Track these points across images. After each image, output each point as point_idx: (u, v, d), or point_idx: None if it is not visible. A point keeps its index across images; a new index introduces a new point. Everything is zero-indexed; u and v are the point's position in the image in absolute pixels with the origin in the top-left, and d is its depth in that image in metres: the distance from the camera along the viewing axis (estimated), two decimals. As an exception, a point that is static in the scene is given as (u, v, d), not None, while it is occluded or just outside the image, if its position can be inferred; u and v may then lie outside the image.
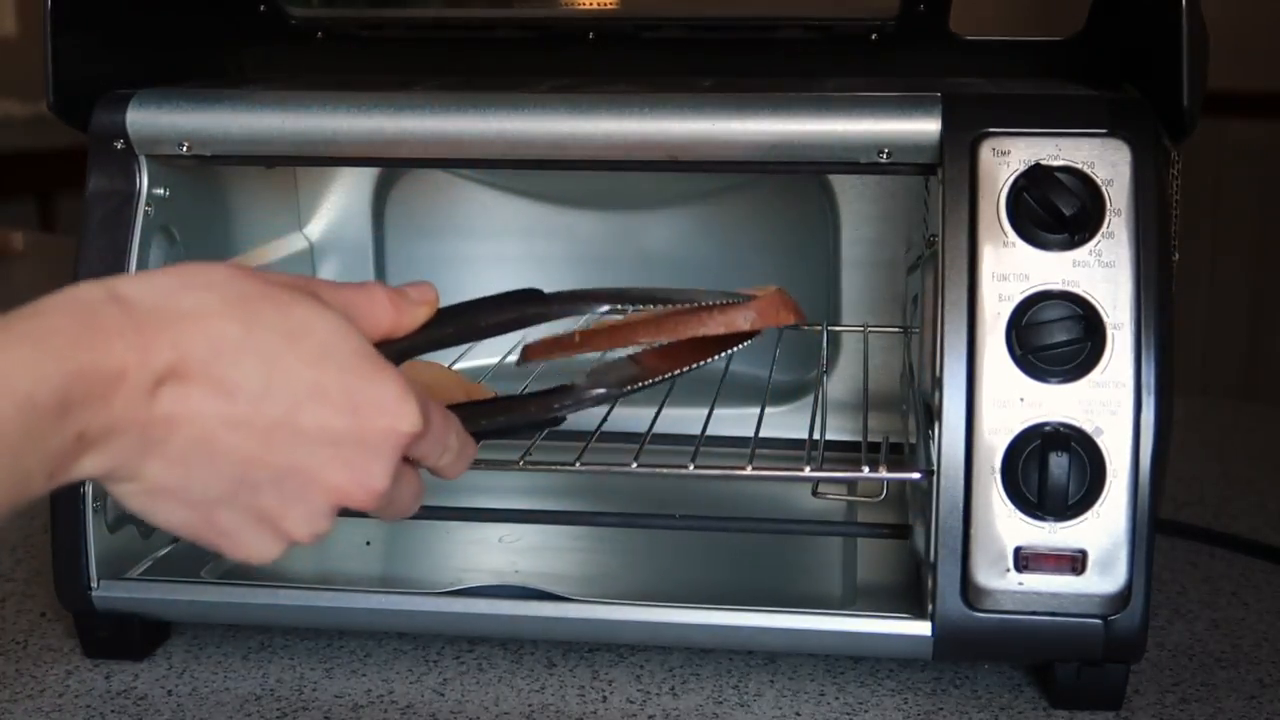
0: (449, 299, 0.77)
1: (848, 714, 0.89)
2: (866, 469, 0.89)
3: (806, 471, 0.90)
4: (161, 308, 0.59)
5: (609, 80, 0.97)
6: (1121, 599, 0.84)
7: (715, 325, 0.89)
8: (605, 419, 0.99)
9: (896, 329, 1.19)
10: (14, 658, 0.96)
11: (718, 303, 0.88)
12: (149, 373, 0.58)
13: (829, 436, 0.98)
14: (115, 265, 0.93)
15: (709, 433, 0.95)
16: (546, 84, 0.96)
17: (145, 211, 0.96)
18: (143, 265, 0.96)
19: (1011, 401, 0.84)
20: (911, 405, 1.04)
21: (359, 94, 0.94)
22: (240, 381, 0.60)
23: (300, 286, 0.65)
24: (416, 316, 0.73)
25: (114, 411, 0.57)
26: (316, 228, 1.26)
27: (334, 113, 0.92)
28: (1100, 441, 0.84)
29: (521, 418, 0.81)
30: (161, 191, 0.97)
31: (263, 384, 0.60)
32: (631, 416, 0.98)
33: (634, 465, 0.91)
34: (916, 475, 0.88)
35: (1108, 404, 0.84)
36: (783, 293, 0.96)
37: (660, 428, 0.97)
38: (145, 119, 0.94)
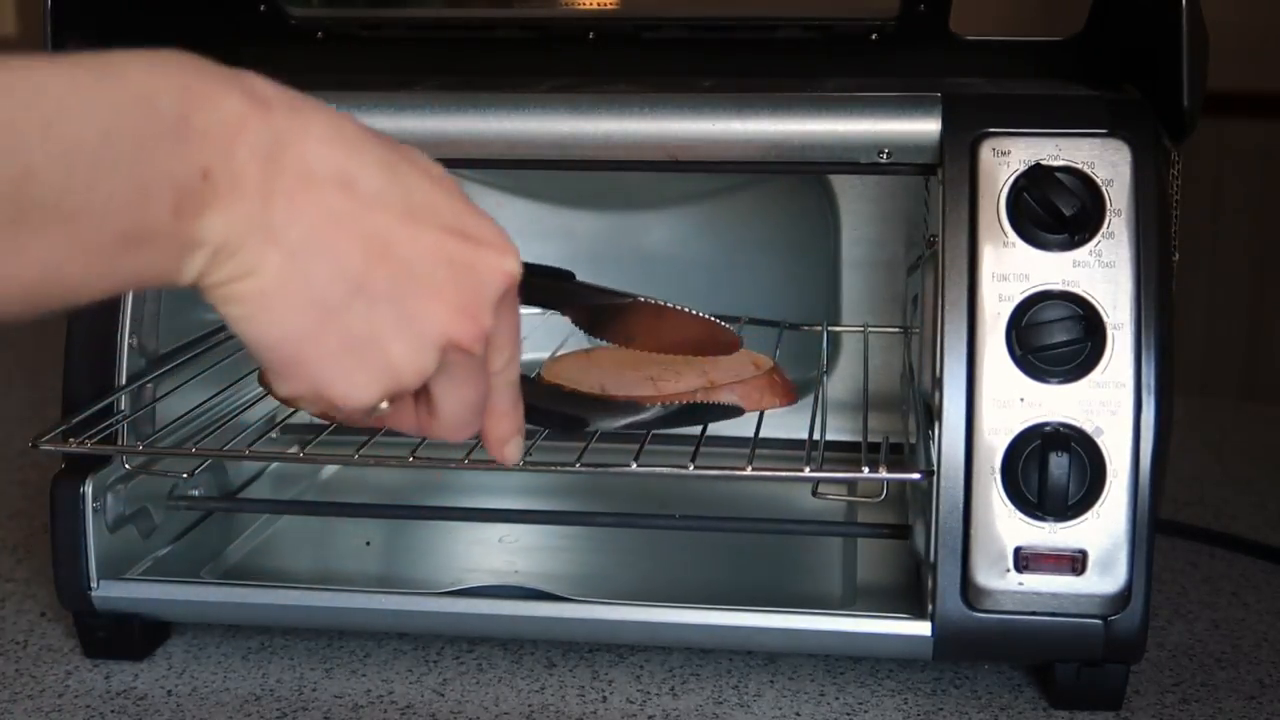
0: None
1: (848, 714, 0.89)
2: (866, 469, 0.89)
3: (806, 472, 0.90)
4: (280, 93, 0.56)
5: (609, 80, 0.97)
6: (1121, 599, 0.84)
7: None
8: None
9: (896, 329, 1.19)
10: (14, 658, 0.96)
11: (701, 393, 0.96)
12: (271, 133, 0.54)
13: (829, 437, 0.98)
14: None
15: (709, 433, 0.95)
16: (546, 84, 0.96)
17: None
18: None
19: (1011, 401, 0.84)
20: (911, 405, 1.04)
21: (359, 94, 0.94)
22: (360, 176, 0.56)
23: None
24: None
25: (238, 161, 0.53)
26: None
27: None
28: (1100, 442, 0.83)
29: (566, 409, 0.81)
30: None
31: (382, 185, 0.57)
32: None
33: (634, 465, 0.91)
34: (916, 475, 0.88)
35: (1108, 404, 0.84)
36: (774, 373, 1.00)
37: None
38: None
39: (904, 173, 0.90)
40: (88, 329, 0.96)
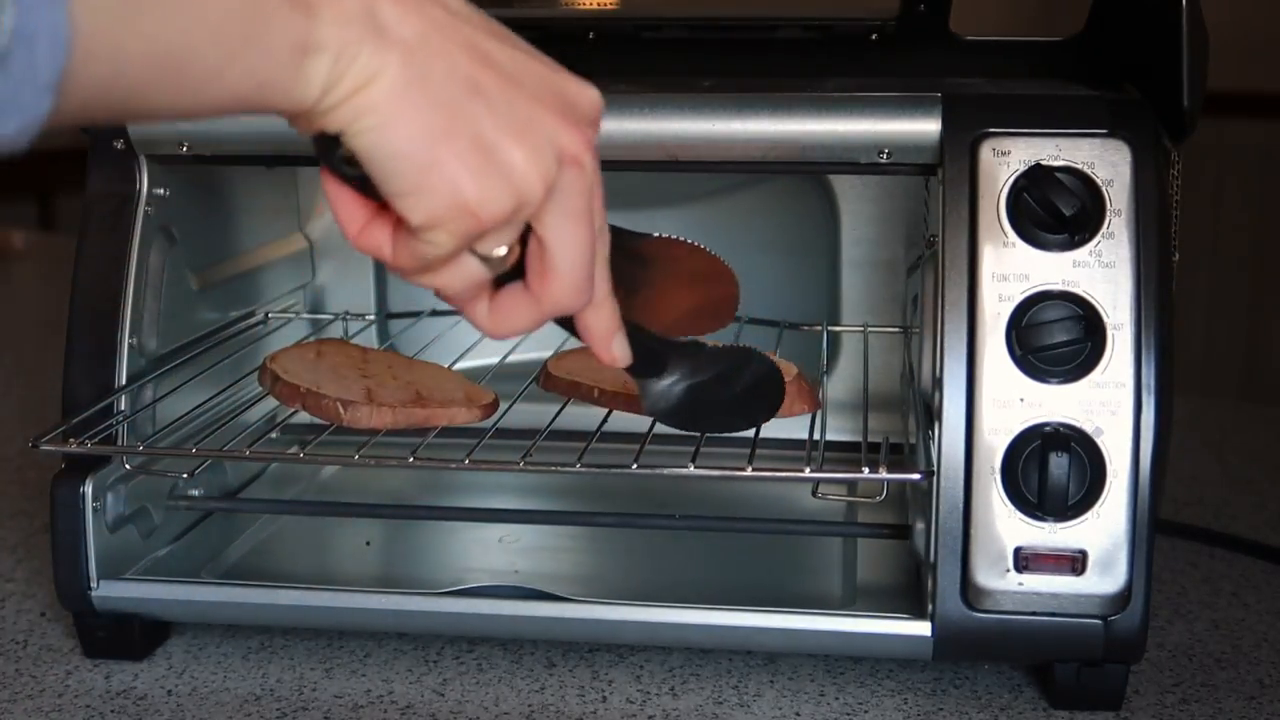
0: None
1: (848, 714, 0.89)
2: (866, 469, 0.89)
3: (806, 472, 0.90)
4: None
5: (609, 80, 0.97)
6: (1121, 599, 0.84)
7: None
8: (605, 420, 0.99)
9: (896, 329, 1.19)
10: (14, 658, 0.96)
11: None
12: None
13: (829, 437, 0.98)
14: (115, 265, 0.93)
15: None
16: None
17: (145, 211, 0.96)
18: (142, 265, 0.96)
19: (1011, 402, 0.84)
20: (911, 405, 1.04)
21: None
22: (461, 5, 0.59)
23: None
24: None
25: None
26: (317, 227, 1.26)
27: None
28: (1100, 442, 0.83)
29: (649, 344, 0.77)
30: (161, 191, 0.97)
31: (467, 8, 0.60)
32: (632, 417, 0.98)
33: (634, 466, 0.91)
34: (916, 476, 0.88)
35: (1108, 404, 0.84)
36: (800, 379, 0.99)
37: (661, 429, 0.97)
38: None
39: (904, 173, 0.90)
40: (88, 329, 0.96)
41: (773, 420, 0.97)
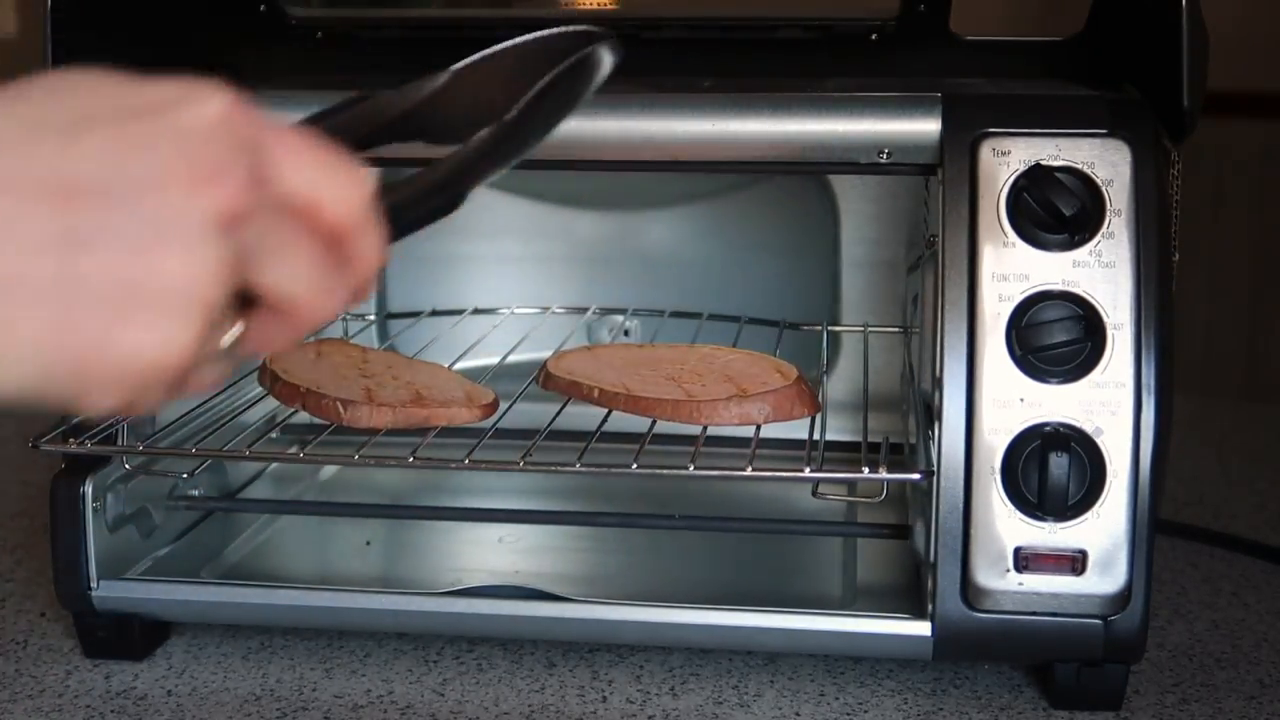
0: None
1: (848, 714, 0.89)
2: (866, 469, 0.89)
3: (806, 472, 0.90)
4: None
5: (609, 80, 0.97)
6: (1121, 599, 0.84)
7: (729, 417, 0.95)
8: (605, 420, 0.99)
9: (896, 329, 1.19)
10: (14, 658, 0.96)
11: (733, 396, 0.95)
12: None
13: (829, 437, 0.98)
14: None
15: (709, 433, 0.95)
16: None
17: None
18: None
19: (1011, 402, 0.84)
20: (911, 405, 1.04)
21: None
22: None
23: None
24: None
25: None
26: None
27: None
28: (1100, 442, 0.83)
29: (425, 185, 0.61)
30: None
31: (21, 135, 0.45)
32: (631, 417, 0.98)
33: (634, 466, 0.91)
34: (916, 476, 0.88)
35: (1108, 404, 0.84)
36: (801, 382, 0.99)
37: (661, 429, 0.97)
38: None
39: (904, 173, 0.90)
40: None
41: (773, 421, 0.98)
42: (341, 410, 0.96)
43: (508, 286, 1.26)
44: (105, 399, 0.46)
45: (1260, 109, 3.73)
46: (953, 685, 0.92)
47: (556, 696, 0.91)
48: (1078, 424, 0.84)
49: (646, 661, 0.95)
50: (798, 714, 0.89)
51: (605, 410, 1.00)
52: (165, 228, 0.44)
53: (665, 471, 0.93)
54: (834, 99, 0.90)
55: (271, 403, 1.05)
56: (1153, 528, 0.84)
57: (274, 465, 1.15)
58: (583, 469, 0.92)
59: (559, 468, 0.94)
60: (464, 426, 0.99)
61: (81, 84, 0.47)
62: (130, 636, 0.95)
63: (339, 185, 0.50)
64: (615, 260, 1.28)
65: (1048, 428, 0.84)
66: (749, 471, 0.90)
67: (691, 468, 0.91)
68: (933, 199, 0.92)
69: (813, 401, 0.99)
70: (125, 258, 0.44)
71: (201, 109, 0.46)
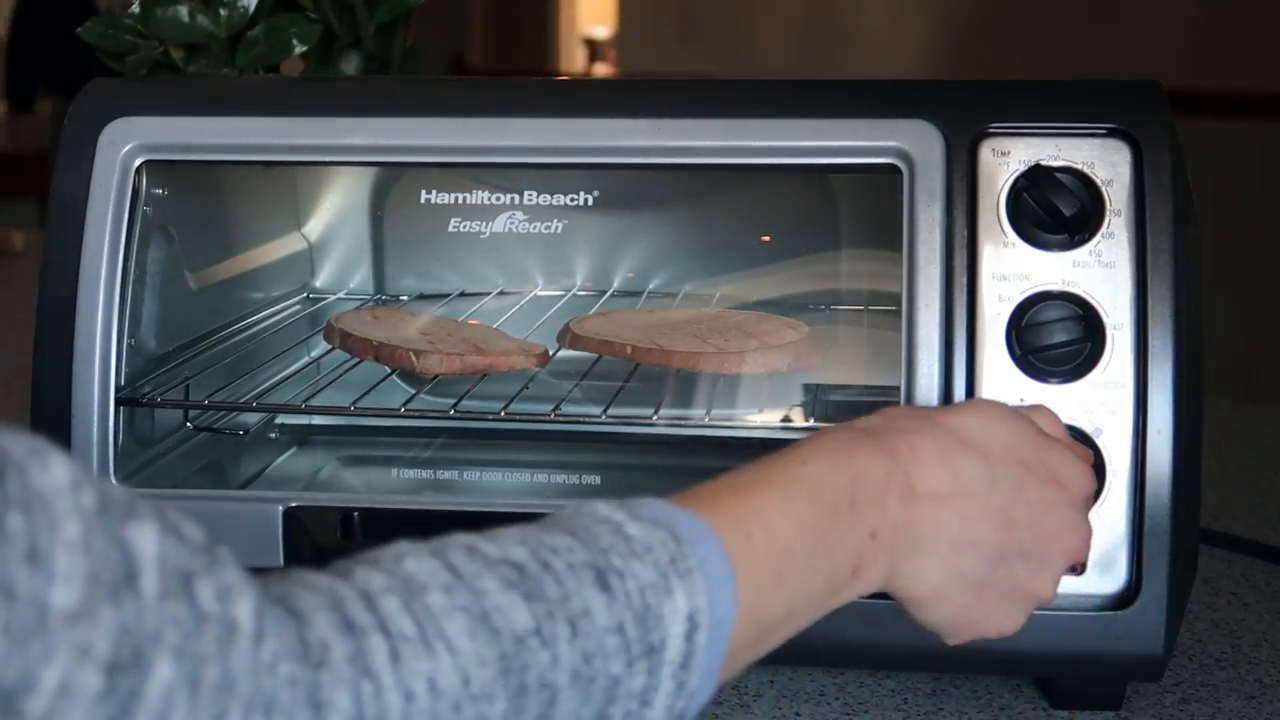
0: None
1: (847, 714, 0.89)
2: None
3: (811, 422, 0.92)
4: (888, 427, 0.70)
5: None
6: (1121, 599, 0.84)
7: (757, 365, 1.03)
8: (633, 372, 1.05)
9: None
10: (13, 658, 0.96)
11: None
12: (904, 477, 0.67)
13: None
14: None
15: (728, 435, 0.98)
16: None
17: (144, 211, 0.95)
18: (141, 264, 0.96)
19: (1011, 402, 0.84)
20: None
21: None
22: (971, 476, 0.69)
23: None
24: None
25: (889, 512, 0.67)
26: (315, 227, 1.26)
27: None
28: (1100, 442, 0.83)
29: None
30: (160, 191, 0.97)
31: (985, 474, 0.69)
32: (636, 410, 1.00)
33: (654, 416, 0.94)
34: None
35: (1108, 404, 0.84)
36: (812, 335, 1.07)
37: (674, 431, 1.01)
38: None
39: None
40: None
41: (771, 415, 1.00)
42: (414, 359, 1.04)
43: (507, 286, 1.26)
44: (956, 638, 0.72)
45: (1260, 109, 3.73)
46: (953, 685, 0.92)
47: (556, 697, 0.91)
48: (1078, 424, 0.84)
49: (646, 661, 0.95)
50: (798, 714, 0.89)
51: (618, 384, 1.05)
52: (1045, 565, 0.71)
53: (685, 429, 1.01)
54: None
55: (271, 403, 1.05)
56: (1174, 531, 0.83)
57: (271, 468, 1.15)
58: (607, 420, 0.99)
59: (586, 421, 1.01)
60: (480, 412, 1.05)
61: (1018, 423, 0.72)
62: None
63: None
64: (615, 260, 1.28)
65: (1048, 428, 0.84)
66: (759, 419, 0.97)
67: (706, 418, 0.98)
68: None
69: (823, 355, 1.05)
70: (1019, 575, 0.70)
71: (1084, 486, 0.73)
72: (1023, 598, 0.71)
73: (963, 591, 0.69)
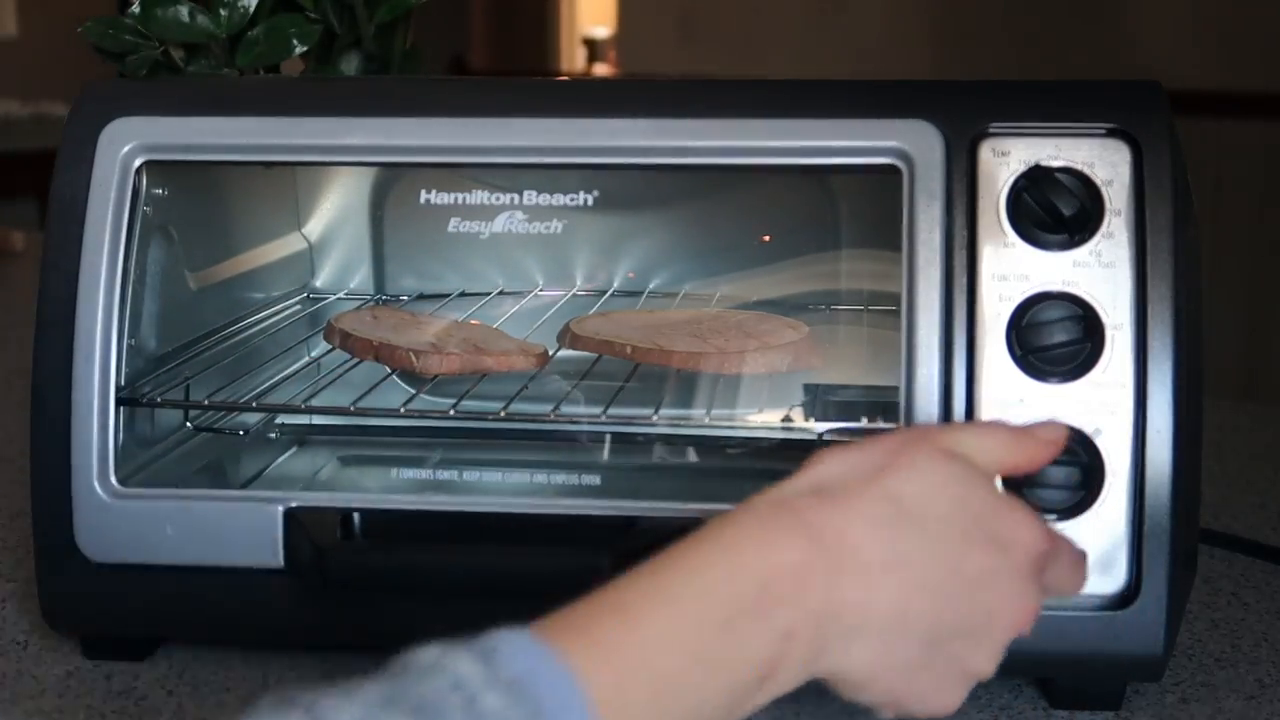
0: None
1: (848, 714, 0.89)
2: (865, 419, 0.94)
3: (812, 423, 0.95)
4: (816, 494, 0.65)
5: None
6: (1121, 599, 0.84)
7: (757, 365, 1.02)
8: (633, 373, 1.05)
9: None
10: (14, 658, 0.96)
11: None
12: (829, 560, 0.62)
13: (829, 438, 0.99)
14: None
15: (708, 434, 0.97)
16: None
17: (144, 211, 0.96)
18: (141, 264, 0.96)
19: (1011, 402, 0.84)
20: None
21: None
22: (906, 550, 0.64)
23: (917, 438, 0.69)
24: (1039, 457, 0.75)
25: (810, 604, 0.62)
26: (315, 227, 1.26)
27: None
28: (1099, 442, 0.83)
29: None
30: (160, 191, 0.97)
31: (924, 548, 0.65)
32: (637, 409, 1.00)
33: (654, 416, 0.94)
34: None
35: (1107, 404, 0.84)
36: (812, 336, 1.08)
37: (661, 429, 1.00)
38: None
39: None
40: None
41: (771, 415, 1.00)
42: (414, 359, 1.04)
43: (507, 286, 1.26)
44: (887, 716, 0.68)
45: (1260, 109, 3.72)
46: (952, 685, 0.92)
47: (556, 696, 0.91)
48: (1077, 424, 0.84)
49: (646, 661, 0.95)
50: (798, 714, 0.89)
51: (617, 385, 1.05)
52: (984, 640, 0.67)
53: (685, 429, 1.00)
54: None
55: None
56: (1173, 531, 0.83)
57: (270, 470, 1.15)
58: (607, 420, 0.99)
59: (585, 421, 1.01)
60: (482, 412, 1.05)
61: (965, 487, 0.67)
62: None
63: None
64: (615, 260, 1.28)
65: (1047, 428, 0.84)
66: (759, 419, 0.98)
67: (707, 418, 0.97)
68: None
69: (823, 355, 1.05)
70: (956, 653, 0.66)
71: (1031, 547, 0.67)
72: (960, 676, 0.67)
73: (894, 675, 0.65)
